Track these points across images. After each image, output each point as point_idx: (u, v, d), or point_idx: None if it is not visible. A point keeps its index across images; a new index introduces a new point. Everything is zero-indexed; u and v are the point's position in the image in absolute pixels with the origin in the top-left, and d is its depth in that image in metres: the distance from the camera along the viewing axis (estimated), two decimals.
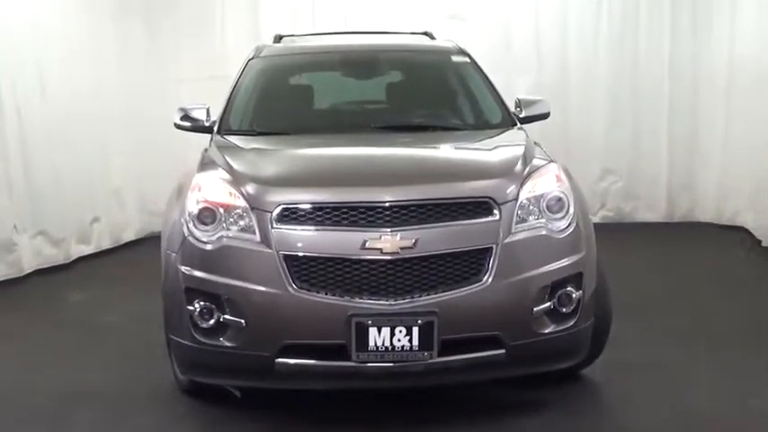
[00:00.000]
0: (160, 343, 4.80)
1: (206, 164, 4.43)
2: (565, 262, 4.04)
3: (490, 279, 3.87)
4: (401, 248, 3.81)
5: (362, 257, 3.82)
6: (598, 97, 9.14)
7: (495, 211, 3.96)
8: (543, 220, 4.05)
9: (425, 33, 6.36)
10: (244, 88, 5.37)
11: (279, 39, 6.17)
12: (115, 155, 8.64)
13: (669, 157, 9.16)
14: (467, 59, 5.62)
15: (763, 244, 7.63)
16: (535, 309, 3.94)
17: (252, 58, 5.60)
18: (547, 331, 3.99)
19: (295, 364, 3.88)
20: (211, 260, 3.98)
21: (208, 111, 5.23)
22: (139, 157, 8.95)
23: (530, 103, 5.30)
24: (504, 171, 4.15)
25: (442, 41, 6.02)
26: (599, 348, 4.46)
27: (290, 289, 3.82)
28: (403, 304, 3.80)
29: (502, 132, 4.94)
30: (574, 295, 4.03)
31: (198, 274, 4.00)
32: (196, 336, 4.00)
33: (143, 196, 9.06)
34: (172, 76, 9.19)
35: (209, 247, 3.98)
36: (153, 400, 4.53)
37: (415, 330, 3.78)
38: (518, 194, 4.03)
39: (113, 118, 8.54)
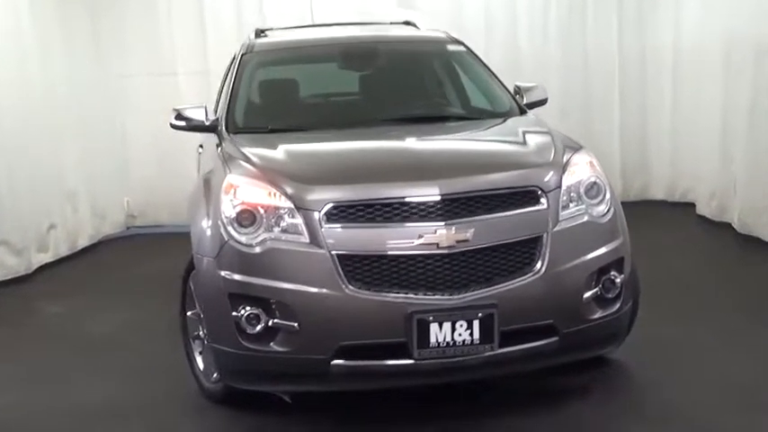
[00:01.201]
0: (165, 352, 4.67)
1: (231, 163, 4.28)
2: (608, 248, 4.08)
3: (543, 268, 3.87)
4: (457, 242, 3.77)
5: (419, 253, 3.76)
6: (550, 85, 9.18)
7: (543, 200, 3.97)
8: (584, 207, 4.07)
9: (407, 23, 6.30)
10: (243, 85, 5.21)
11: (261, 33, 6.01)
12: (67, 157, 8.28)
13: (621, 142, 9.36)
14: (462, 48, 5.60)
15: (716, 220, 7.83)
16: (584, 295, 3.96)
17: (245, 53, 5.43)
18: (595, 317, 4.02)
19: (352, 366, 3.80)
20: (258, 264, 3.85)
21: (206, 110, 5.05)
22: (91, 158, 8.61)
23: (528, 90, 5.31)
24: (547, 159, 4.15)
25: (433, 31, 5.97)
26: (629, 329, 4.51)
27: (345, 289, 3.74)
28: (462, 298, 3.76)
29: (518, 120, 4.94)
30: (617, 280, 4.07)
31: (243, 278, 3.87)
32: (243, 342, 3.87)
33: (95, 199, 8.74)
34: (120, 71, 8.90)
35: (254, 250, 3.86)
36: (186, 413, 4.37)
37: (476, 324, 3.74)
38: (560, 182, 4.04)
39: (64, 118, 8.18)
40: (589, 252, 4.01)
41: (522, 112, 5.08)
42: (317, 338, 3.78)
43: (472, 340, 3.75)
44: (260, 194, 3.96)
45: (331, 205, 3.82)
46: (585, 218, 4.05)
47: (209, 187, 4.29)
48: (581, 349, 4.08)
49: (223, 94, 5.31)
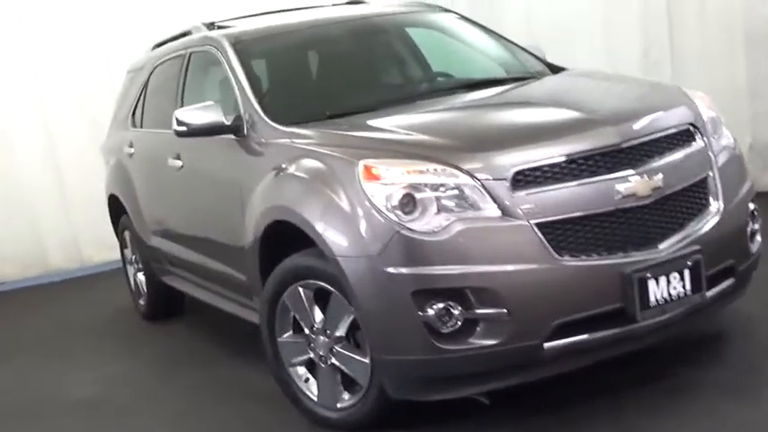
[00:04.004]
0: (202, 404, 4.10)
1: (342, 148, 3.70)
2: (749, 180, 4.00)
3: (722, 206, 3.70)
4: (652, 189, 3.48)
5: (619, 207, 3.43)
6: None
7: (698, 137, 3.79)
8: (722, 141, 3.95)
9: (352, 2, 5.82)
10: (255, 75, 4.54)
11: (211, 26, 5.29)
12: None
13: None
14: (456, 15, 5.29)
15: None
16: (748, 229, 3.85)
17: (236, 43, 4.73)
18: (754, 251, 3.93)
19: (567, 345, 3.39)
20: (445, 250, 3.32)
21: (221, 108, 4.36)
22: None
23: (536, 50, 5.10)
24: (682, 97, 3.97)
25: (414, 2, 5.59)
26: None
27: (555, 260, 3.32)
28: (670, 249, 3.49)
29: (586, 72, 4.78)
30: (757, 213, 4.00)
31: (428, 270, 3.33)
32: (438, 344, 3.33)
33: None
34: None
35: (438, 235, 3.32)
36: None
37: (687, 273, 3.49)
38: (702, 118, 3.89)
39: None
40: (741, 186, 3.93)
41: (560, 69, 4.84)
42: (530, 322, 3.33)
43: (685, 291, 3.48)
44: (416, 173, 3.41)
45: (516, 170, 3.37)
46: (728, 152, 3.93)
47: (308, 184, 3.70)
48: (741, 289, 3.95)
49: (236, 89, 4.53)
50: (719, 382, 3.69)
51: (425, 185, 3.38)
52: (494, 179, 3.36)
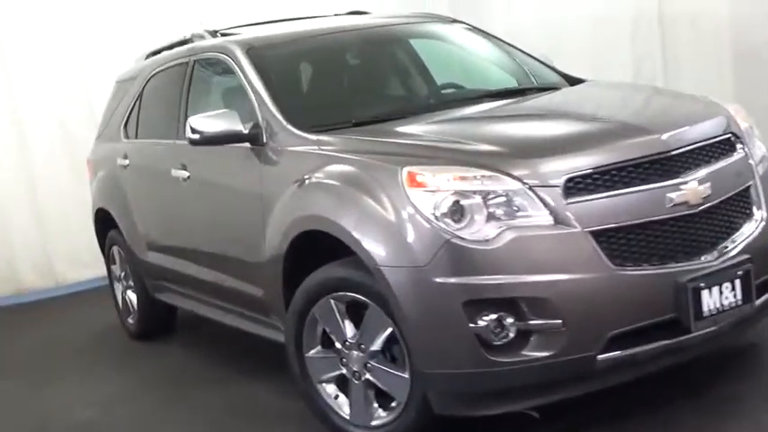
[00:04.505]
0: None
1: (381, 156, 3.56)
2: None
3: (765, 214, 3.68)
4: (702, 198, 3.42)
5: (671, 216, 3.35)
6: None
7: (738, 147, 3.76)
8: (759, 152, 3.92)
9: (354, 13, 5.71)
10: (273, 82, 4.38)
11: (215, 33, 5.13)
12: None
13: None
14: (465, 25, 5.21)
15: None
16: None
17: (249, 50, 4.57)
18: None
19: (620, 357, 3.28)
20: (498, 259, 3.20)
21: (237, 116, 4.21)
22: None
23: (548, 60, 5.05)
24: (718, 108, 3.93)
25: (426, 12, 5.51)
26: None
27: (610, 269, 3.23)
28: (721, 258, 3.42)
29: (611, 83, 4.71)
30: None
31: (481, 280, 3.20)
32: (489, 357, 3.21)
33: None
34: None
35: (491, 244, 3.20)
36: None
37: (737, 283, 3.42)
38: (740, 128, 3.86)
39: None
40: None
41: (579, 81, 4.78)
42: (585, 333, 3.23)
43: (736, 301, 3.42)
44: (463, 179, 3.30)
45: (568, 177, 3.28)
46: (765, 161, 3.90)
47: (344, 192, 3.57)
48: None
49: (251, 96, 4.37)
50: (763, 393, 3.63)
51: (474, 192, 3.26)
52: (545, 186, 3.26)
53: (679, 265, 3.33)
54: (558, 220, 3.23)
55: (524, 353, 3.22)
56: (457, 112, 4.17)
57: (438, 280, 3.22)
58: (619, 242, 3.27)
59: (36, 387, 5.34)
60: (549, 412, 3.47)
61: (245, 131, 4.18)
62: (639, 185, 3.33)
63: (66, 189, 7.75)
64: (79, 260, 7.80)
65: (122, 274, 6.03)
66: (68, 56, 7.80)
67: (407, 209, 3.30)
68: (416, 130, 3.87)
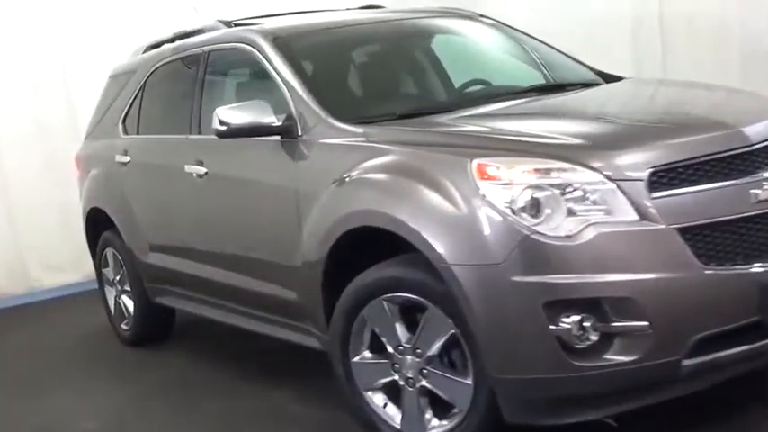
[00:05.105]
0: None
1: (447, 147, 3.35)
2: None
3: None
4: None
5: (757, 213, 3.18)
6: None
7: None
8: None
9: (367, 7, 5.49)
10: (305, 73, 4.14)
11: (230, 24, 4.87)
12: None
13: None
14: (492, 20, 5.03)
15: None
16: None
17: (276, 39, 4.32)
18: None
19: (704, 362, 3.09)
20: (581, 257, 3.00)
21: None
22: None
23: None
24: None
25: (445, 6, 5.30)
26: None
27: (699, 269, 3.04)
28: None
29: (648, 81, 4.55)
30: None
31: (563, 279, 2.99)
32: (572, 362, 3.00)
33: None
34: None
35: (573, 240, 2.99)
36: None
37: None
38: None
39: None
40: None
41: (615, 78, 4.62)
42: (672, 336, 3.03)
43: None
44: (539, 172, 3.09)
45: (651, 169, 3.09)
46: None
47: (403, 185, 3.33)
48: None
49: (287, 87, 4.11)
50: None
51: (551, 186, 3.05)
52: (628, 180, 3.06)
53: (765, 264, 3.15)
54: (643, 216, 3.03)
55: (607, 357, 3.02)
56: (505, 106, 3.97)
57: (515, 278, 3.00)
58: (705, 240, 3.09)
59: (25, 398, 4.98)
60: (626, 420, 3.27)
61: (278, 123, 3.92)
62: (723, 181, 3.16)
63: (42, 191, 7.37)
64: (55, 265, 7.42)
65: (116, 277, 5.69)
66: (46, 52, 7.42)
67: (479, 203, 3.08)
68: (471, 122, 3.66)
